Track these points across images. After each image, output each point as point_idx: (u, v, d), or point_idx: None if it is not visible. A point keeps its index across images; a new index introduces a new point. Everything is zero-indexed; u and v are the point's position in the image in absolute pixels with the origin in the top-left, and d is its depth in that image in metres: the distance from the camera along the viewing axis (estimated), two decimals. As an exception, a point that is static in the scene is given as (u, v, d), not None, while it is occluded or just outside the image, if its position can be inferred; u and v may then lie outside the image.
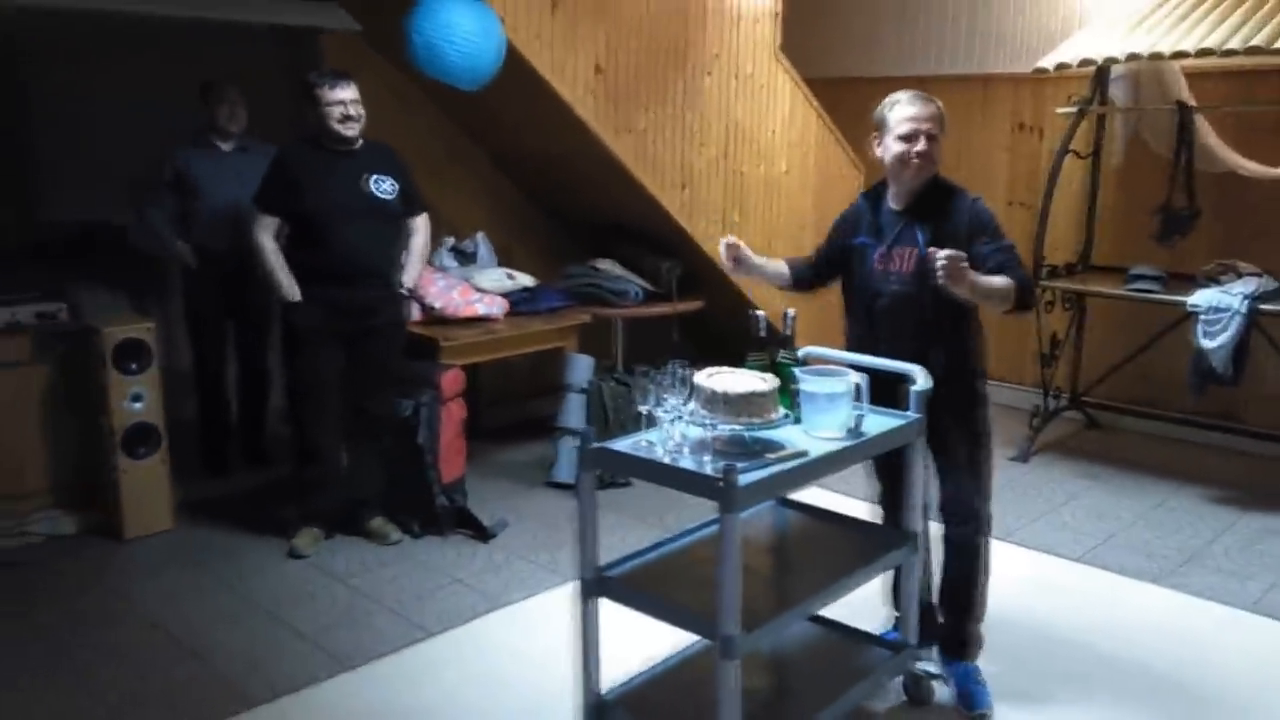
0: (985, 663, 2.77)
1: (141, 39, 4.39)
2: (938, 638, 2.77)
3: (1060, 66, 4.53)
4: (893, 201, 2.66)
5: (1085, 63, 4.47)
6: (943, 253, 2.33)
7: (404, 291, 3.73)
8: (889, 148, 2.58)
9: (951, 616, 2.74)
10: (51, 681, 2.83)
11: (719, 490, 2.00)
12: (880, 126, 2.61)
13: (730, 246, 2.66)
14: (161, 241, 4.15)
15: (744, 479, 2.02)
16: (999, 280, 2.46)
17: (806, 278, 2.86)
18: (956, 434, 2.62)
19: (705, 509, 2.33)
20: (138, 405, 3.74)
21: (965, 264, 2.35)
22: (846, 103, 5.31)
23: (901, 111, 2.56)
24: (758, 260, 2.73)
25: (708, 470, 2.09)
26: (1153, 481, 4.49)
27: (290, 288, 3.50)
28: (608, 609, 2.33)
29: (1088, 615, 3.25)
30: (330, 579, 3.48)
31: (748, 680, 2.10)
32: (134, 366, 3.72)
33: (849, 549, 2.62)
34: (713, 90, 4.74)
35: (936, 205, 2.59)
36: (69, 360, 3.77)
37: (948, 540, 2.69)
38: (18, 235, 4.48)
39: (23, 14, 3.85)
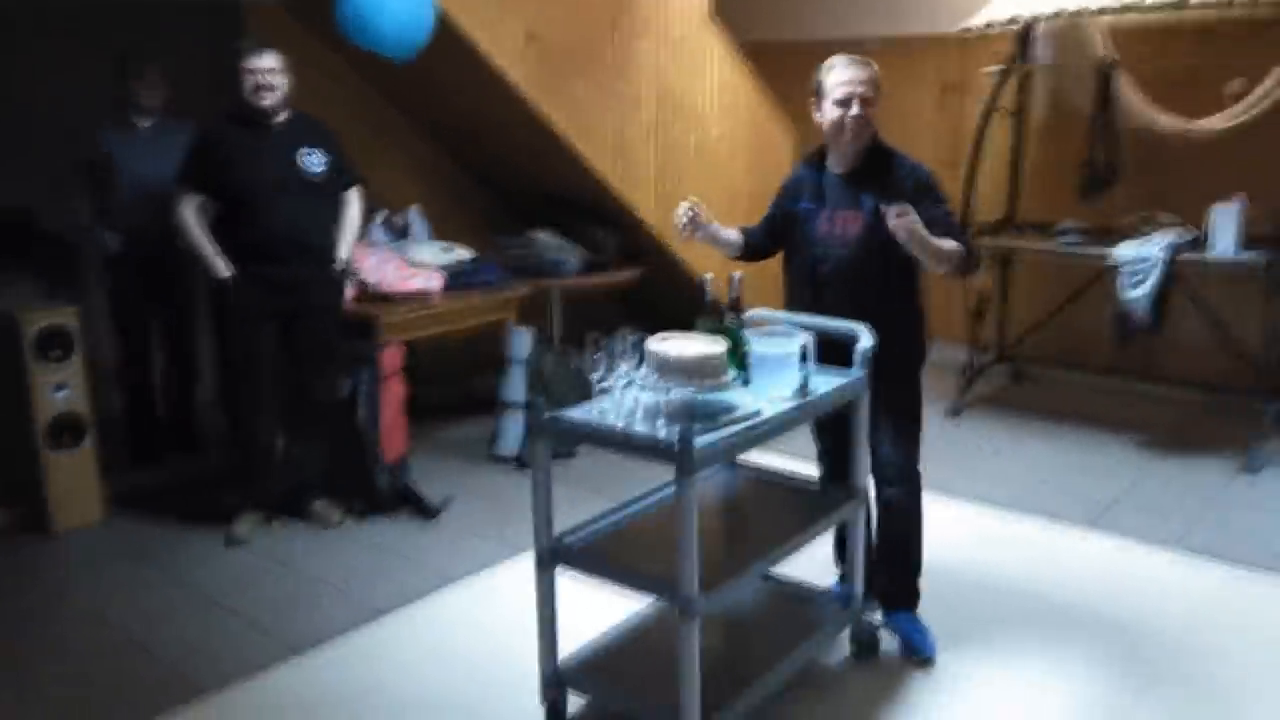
0: (927, 611, 2.84)
1: (57, 17, 4.19)
2: (879, 592, 2.84)
3: (986, 25, 4.61)
4: (834, 166, 2.68)
5: (1010, 21, 4.55)
6: (895, 207, 2.37)
7: (339, 267, 3.65)
8: (826, 112, 2.60)
9: (891, 571, 2.81)
10: (-11, 682, 2.74)
11: (675, 454, 2.01)
12: (817, 92, 2.62)
13: (690, 216, 2.60)
14: (85, 230, 4.00)
15: (699, 442, 2.03)
16: (949, 242, 2.51)
17: (758, 245, 2.85)
18: (894, 396, 2.67)
19: (654, 476, 2.36)
20: (62, 395, 3.61)
21: (916, 217, 2.39)
22: (788, 68, 5.31)
23: (837, 76, 2.58)
24: (714, 226, 2.71)
25: (662, 435, 2.10)
26: (1080, 430, 4.65)
27: (218, 264, 3.40)
28: (561, 580, 2.34)
29: (1024, 560, 3.36)
30: (275, 564, 3.41)
31: (702, 639, 2.13)
32: (57, 355, 3.59)
33: (798, 507, 2.66)
34: (645, 56, 4.70)
35: (879, 168, 2.62)
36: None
37: (883, 499, 2.75)
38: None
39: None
